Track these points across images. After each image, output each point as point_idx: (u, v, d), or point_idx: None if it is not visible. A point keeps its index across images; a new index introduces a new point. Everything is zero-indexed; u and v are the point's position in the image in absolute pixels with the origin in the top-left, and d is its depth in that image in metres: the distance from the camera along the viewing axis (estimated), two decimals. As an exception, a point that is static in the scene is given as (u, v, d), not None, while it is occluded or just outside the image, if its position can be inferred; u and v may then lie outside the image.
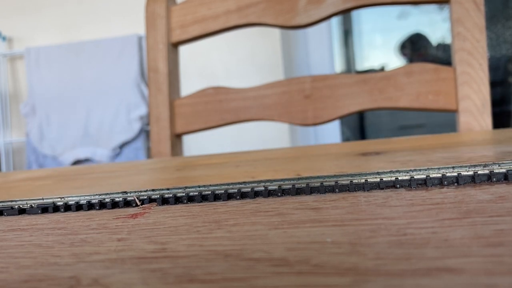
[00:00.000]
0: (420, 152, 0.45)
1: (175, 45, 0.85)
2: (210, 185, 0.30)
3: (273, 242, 0.18)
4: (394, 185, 0.27)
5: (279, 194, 0.28)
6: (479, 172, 0.26)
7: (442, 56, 2.52)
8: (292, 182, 0.28)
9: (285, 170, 0.40)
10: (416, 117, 2.35)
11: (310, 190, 0.27)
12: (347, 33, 2.65)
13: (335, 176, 0.28)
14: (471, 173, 0.26)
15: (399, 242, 0.17)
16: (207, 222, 0.23)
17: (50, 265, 0.18)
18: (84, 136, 1.56)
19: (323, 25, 1.63)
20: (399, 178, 0.27)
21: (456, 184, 0.26)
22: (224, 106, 0.81)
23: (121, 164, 0.77)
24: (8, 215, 0.30)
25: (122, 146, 1.54)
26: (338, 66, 2.64)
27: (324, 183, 0.27)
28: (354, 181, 0.27)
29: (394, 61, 2.57)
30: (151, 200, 0.29)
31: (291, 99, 0.78)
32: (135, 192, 0.30)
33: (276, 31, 1.49)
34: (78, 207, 0.30)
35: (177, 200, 0.29)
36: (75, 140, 1.57)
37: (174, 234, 0.21)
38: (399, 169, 0.28)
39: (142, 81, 1.53)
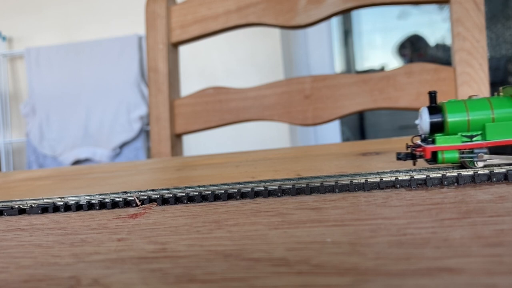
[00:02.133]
0: (420, 152, 0.44)
1: (175, 45, 0.85)
2: (210, 185, 0.30)
3: (273, 242, 0.18)
4: (394, 185, 0.27)
5: (279, 194, 0.28)
6: (479, 172, 0.26)
7: (442, 56, 2.52)
8: (292, 182, 0.28)
9: (285, 170, 0.40)
10: (416, 117, 2.35)
11: (310, 190, 0.27)
12: (347, 33, 2.65)
13: (335, 176, 0.28)
14: (471, 173, 0.26)
15: (399, 242, 0.17)
16: (207, 222, 0.23)
17: (50, 265, 0.18)
18: (84, 136, 1.56)
19: (323, 25, 1.63)
20: (399, 178, 0.27)
21: (456, 184, 0.26)
22: (224, 106, 0.81)
23: (121, 164, 0.77)
24: (8, 215, 0.30)
25: (122, 146, 1.54)
26: (338, 66, 2.64)
27: (324, 183, 0.27)
28: (354, 181, 0.27)
29: (394, 61, 2.57)
30: (151, 200, 0.29)
31: (291, 99, 0.78)
32: (135, 192, 0.30)
33: (276, 31, 1.49)
34: (78, 207, 0.30)
35: (177, 200, 0.29)
36: (75, 140, 1.57)
37: (174, 234, 0.21)
38: (399, 169, 0.28)
39: (142, 81, 1.53)
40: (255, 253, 0.17)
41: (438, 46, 2.53)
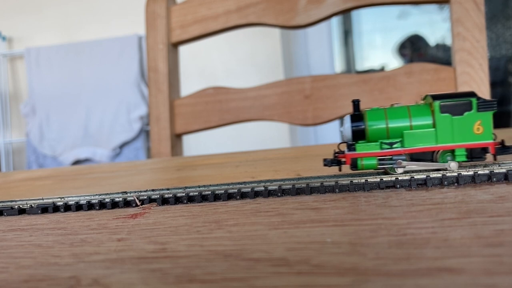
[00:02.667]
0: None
1: (175, 45, 0.85)
2: (210, 185, 0.30)
3: (273, 242, 0.18)
4: (394, 185, 0.27)
5: (279, 194, 0.28)
6: (479, 172, 0.26)
7: (442, 56, 2.52)
8: (292, 182, 0.28)
9: (285, 170, 0.40)
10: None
11: (310, 190, 0.27)
12: (347, 33, 2.65)
13: (335, 176, 0.28)
14: (471, 173, 0.26)
15: (399, 242, 0.17)
16: (207, 222, 0.23)
17: (50, 265, 0.18)
18: (84, 136, 1.56)
19: (323, 25, 1.63)
20: (399, 178, 0.27)
21: (456, 184, 0.26)
22: (224, 106, 0.81)
23: (121, 164, 0.77)
24: (8, 215, 0.30)
25: (122, 146, 1.54)
26: (338, 66, 2.64)
27: (324, 183, 0.27)
28: (354, 181, 0.27)
29: (394, 62, 2.57)
30: (151, 200, 0.29)
31: (291, 99, 0.78)
32: (135, 192, 0.30)
33: (276, 31, 1.49)
34: (78, 207, 0.30)
35: (177, 200, 0.29)
36: (75, 140, 1.56)
37: (174, 234, 0.21)
38: (399, 169, 0.28)
39: (142, 81, 1.53)
40: (255, 253, 0.17)
41: (438, 46, 2.53)
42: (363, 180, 0.27)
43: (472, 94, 0.27)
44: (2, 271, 0.18)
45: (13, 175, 0.70)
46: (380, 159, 0.27)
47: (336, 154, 0.29)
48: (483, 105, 0.27)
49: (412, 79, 0.71)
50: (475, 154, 0.27)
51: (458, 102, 0.27)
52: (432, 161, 0.27)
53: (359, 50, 2.71)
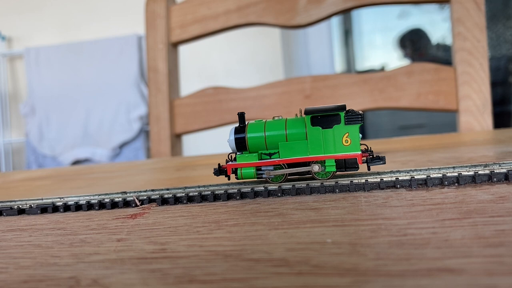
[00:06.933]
0: (420, 152, 0.44)
1: (175, 45, 0.85)
2: (210, 185, 0.30)
3: (273, 243, 0.18)
4: (394, 185, 0.27)
5: (279, 194, 0.28)
6: (480, 172, 0.26)
7: (442, 56, 2.52)
8: (292, 182, 0.28)
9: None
10: (416, 117, 2.34)
11: (310, 190, 0.27)
12: (347, 33, 2.65)
13: (335, 176, 0.28)
14: (471, 173, 0.26)
15: (399, 242, 0.17)
16: (207, 222, 0.23)
17: (50, 265, 0.18)
18: (83, 136, 1.56)
19: (323, 24, 1.63)
20: (400, 178, 0.27)
21: (456, 184, 0.26)
22: (224, 106, 0.81)
23: (121, 164, 0.77)
24: (7, 215, 0.30)
25: (122, 146, 1.54)
26: (338, 66, 2.63)
27: (324, 183, 0.27)
28: (354, 181, 0.27)
29: (394, 60, 2.57)
30: (150, 200, 0.29)
31: (291, 99, 0.78)
32: (134, 192, 0.30)
33: (276, 31, 1.49)
34: (78, 207, 0.30)
35: (176, 200, 0.29)
36: (75, 140, 1.56)
37: (174, 234, 0.21)
38: (399, 169, 0.28)
39: (142, 81, 1.53)
40: (255, 253, 0.17)
41: (438, 45, 2.53)
42: (363, 180, 0.27)
43: (342, 108, 0.27)
44: (1, 272, 0.18)
45: (13, 175, 0.70)
46: (258, 169, 0.29)
47: (222, 165, 0.30)
48: (349, 118, 0.27)
49: (413, 79, 0.71)
50: (348, 165, 0.28)
51: (328, 116, 0.27)
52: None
53: (359, 50, 2.71)
